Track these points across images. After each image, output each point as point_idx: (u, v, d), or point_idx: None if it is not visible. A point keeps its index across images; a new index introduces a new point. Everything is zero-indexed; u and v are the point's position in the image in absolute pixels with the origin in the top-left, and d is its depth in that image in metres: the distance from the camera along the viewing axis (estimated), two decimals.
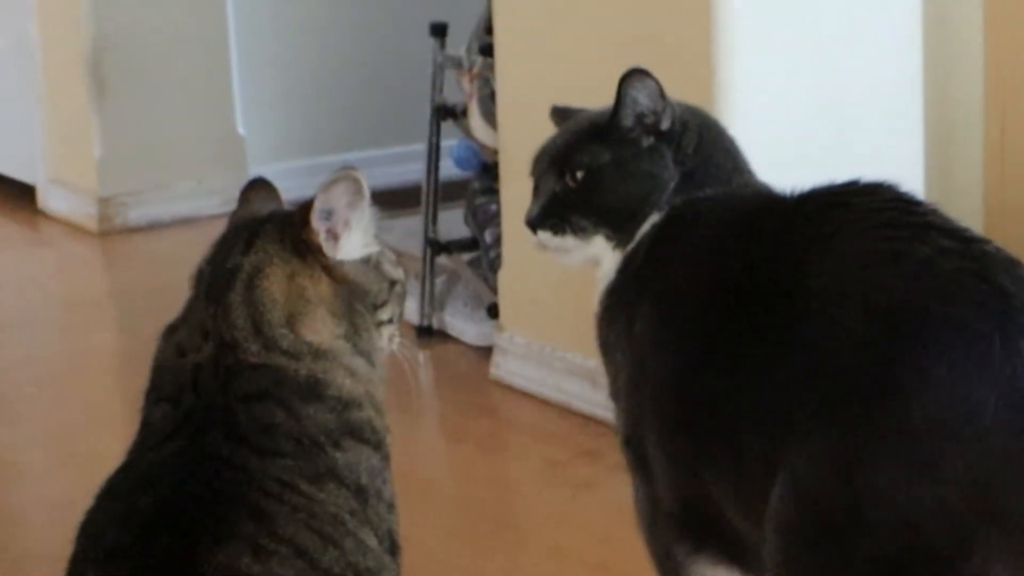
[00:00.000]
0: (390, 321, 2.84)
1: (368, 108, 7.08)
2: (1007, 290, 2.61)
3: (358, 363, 2.78)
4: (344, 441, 2.71)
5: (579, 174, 3.13)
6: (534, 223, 3.18)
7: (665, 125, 3.12)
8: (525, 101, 4.64)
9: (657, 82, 3.11)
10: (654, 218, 3.09)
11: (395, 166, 6.43)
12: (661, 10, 4.29)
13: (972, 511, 2.54)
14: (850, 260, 2.74)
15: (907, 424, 2.56)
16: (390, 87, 6.88)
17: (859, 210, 2.82)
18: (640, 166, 3.12)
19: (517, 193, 4.73)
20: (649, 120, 3.12)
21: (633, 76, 3.11)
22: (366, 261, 2.81)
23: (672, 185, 3.10)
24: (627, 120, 3.12)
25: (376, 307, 2.82)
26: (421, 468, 4.35)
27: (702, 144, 3.15)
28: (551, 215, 3.15)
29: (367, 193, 2.76)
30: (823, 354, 2.68)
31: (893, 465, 2.57)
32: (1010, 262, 2.68)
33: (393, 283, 2.83)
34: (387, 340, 2.85)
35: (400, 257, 2.92)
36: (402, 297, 2.88)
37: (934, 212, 2.81)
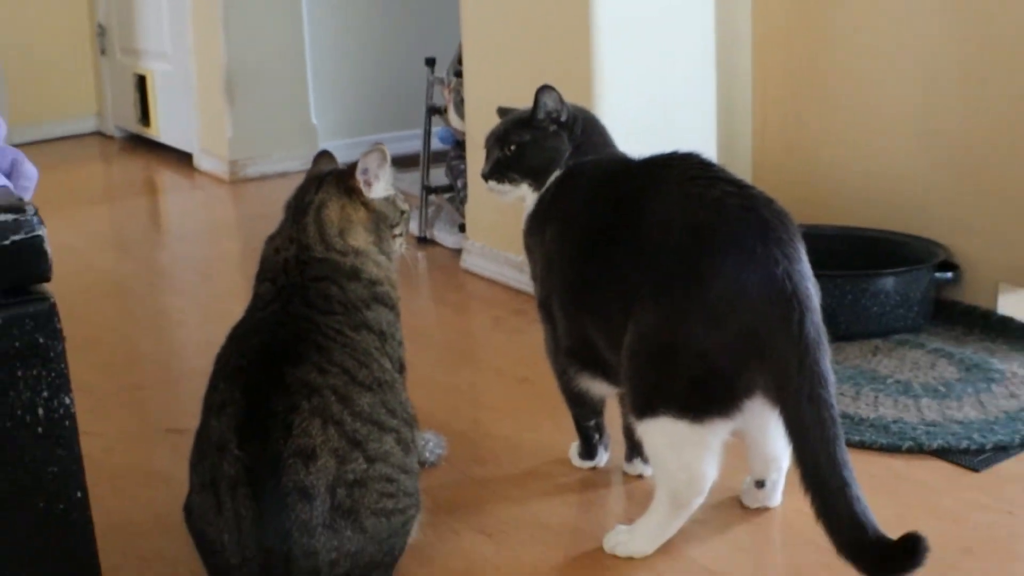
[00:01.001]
0: (400, 235, 2.87)
1: (390, 106, 7.05)
2: (765, 217, 2.62)
3: (381, 259, 2.80)
4: (372, 305, 2.72)
5: (512, 147, 3.11)
6: (486, 176, 3.15)
7: (563, 118, 3.10)
8: (481, 104, 4.62)
9: (558, 92, 3.09)
10: (557, 173, 3.07)
11: (405, 142, 6.38)
12: (562, 49, 4.25)
13: (743, 348, 2.56)
14: (672, 198, 2.72)
15: (706, 296, 2.57)
16: (403, 94, 6.85)
17: (678, 168, 2.80)
18: (548, 143, 3.09)
19: (476, 158, 4.71)
20: (554, 115, 3.09)
21: (544, 89, 3.08)
22: (387, 199, 2.83)
23: (567, 154, 3.07)
24: (540, 115, 3.09)
25: (392, 226, 2.84)
26: (418, 321, 4.33)
27: (585, 129, 3.12)
28: (496, 172, 3.13)
29: (389, 158, 2.82)
30: (656, 254, 2.67)
31: (696, 320, 2.58)
32: (768, 200, 2.68)
33: (402, 212, 2.87)
34: (399, 247, 2.87)
35: (407, 196, 2.96)
36: (407, 221, 2.90)
37: (722, 170, 2.80)
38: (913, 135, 4.15)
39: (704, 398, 2.62)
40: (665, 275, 2.63)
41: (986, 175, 3.94)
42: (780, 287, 2.54)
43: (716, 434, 2.67)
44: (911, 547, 2.38)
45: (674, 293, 2.61)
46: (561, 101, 3.10)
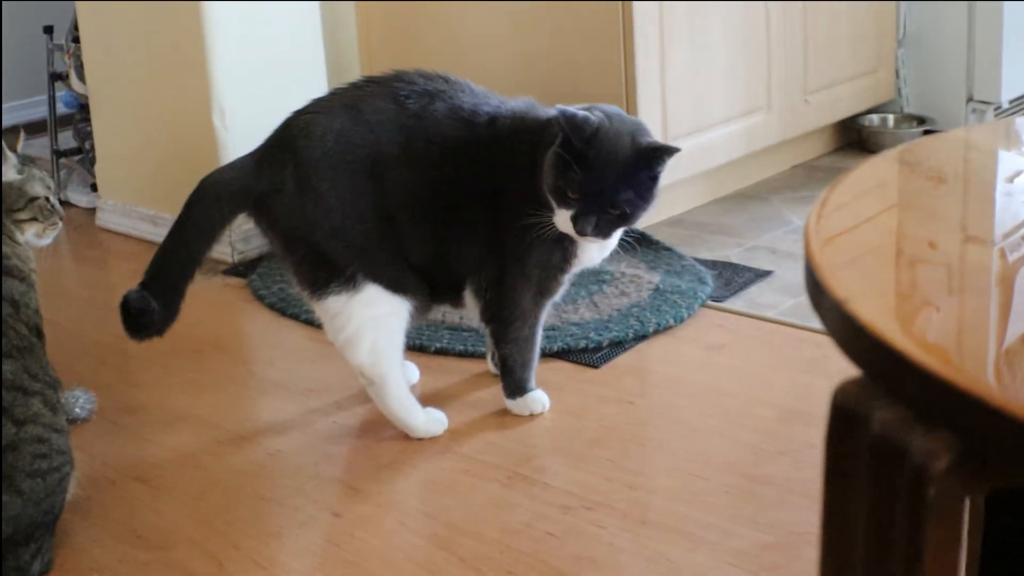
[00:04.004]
0: (31, 219, 2.64)
1: (13, 75, 6.65)
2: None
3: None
4: (2, 278, 2.52)
5: None
6: None
7: None
8: (101, 68, 4.45)
9: None
10: None
11: (31, 108, 6.09)
12: (171, 8, 4.03)
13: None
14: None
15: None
16: (25, 62, 6.48)
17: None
18: None
19: (101, 120, 4.56)
20: None
21: None
22: (9, 184, 2.63)
23: None
24: None
25: (14, 210, 2.63)
26: (60, 281, 4.13)
27: None
28: None
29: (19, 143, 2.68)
30: None
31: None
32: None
33: (32, 198, 2.63)
34: (32, 235, 2.65)
35: (38, 161, 2.78)
36: (47, 208, 2.64)
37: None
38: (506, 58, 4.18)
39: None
40: None
41: None
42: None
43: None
44: None
45: None
46: None
